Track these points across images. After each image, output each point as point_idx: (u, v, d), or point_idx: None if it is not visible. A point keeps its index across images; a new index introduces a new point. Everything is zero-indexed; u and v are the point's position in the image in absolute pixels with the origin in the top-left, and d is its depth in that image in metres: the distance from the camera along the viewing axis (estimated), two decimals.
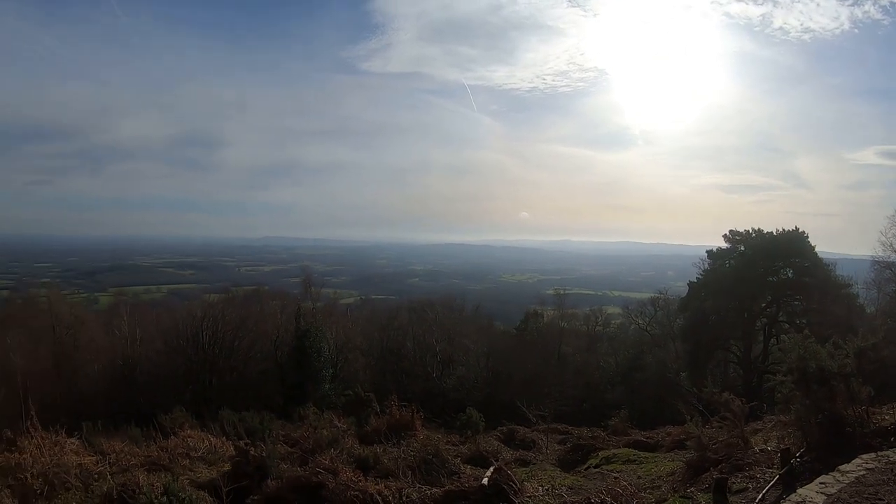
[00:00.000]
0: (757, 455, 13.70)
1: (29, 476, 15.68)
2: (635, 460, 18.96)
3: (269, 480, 16.22)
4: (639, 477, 16.18)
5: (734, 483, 12.12)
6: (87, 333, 55.50)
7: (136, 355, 48.83)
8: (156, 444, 22.15)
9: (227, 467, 18.27)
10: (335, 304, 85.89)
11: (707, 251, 49.62)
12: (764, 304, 46.75)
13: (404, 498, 14.11)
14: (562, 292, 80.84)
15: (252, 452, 17.68)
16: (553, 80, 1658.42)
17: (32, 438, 17.73)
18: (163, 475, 16.94)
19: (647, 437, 24.57)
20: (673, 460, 17.58)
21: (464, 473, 16.82)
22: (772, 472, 12.14)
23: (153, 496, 12.35)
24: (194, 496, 13.11)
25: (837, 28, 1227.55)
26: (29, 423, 18.21)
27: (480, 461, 19.69)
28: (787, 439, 13.72)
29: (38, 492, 15.41)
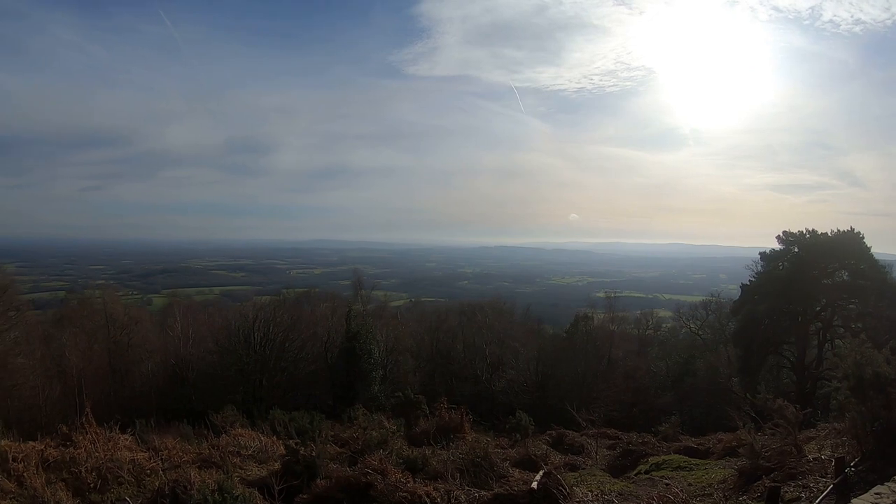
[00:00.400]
0: (810, 464, 13.46)
1: (83, 470, 15.97)
2: (686, 467, 18.73)
3: (319, 480, 16.33)
4: (689, 484, 15.97)
5: (787, 492, 11.93)
6: (140, 333, 56.54)
7: (188, 355, 49.56)
8: (207, 441, 22.37)
9: (277, 466, 18.41)
10: (385, 307, 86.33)
11: (760, 253, 48.50)
12: (818, 308, 45.42)
13: (453, 500, 14.12)
14: (612, 295, 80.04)
15: (302, 452, 17.81)
16: (601, 80, 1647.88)
17: (87, 434, 18.01)
18: (214, 472, 17.09)
19: (698, 444, 24.28)
20: (724, 468, 17.30)
21: (512, 477, 16.81)
22: (825, 482, 11.94)
23: (206, 493, 12.49)
24: (246, 494, 13.23)
25: (889, 19, 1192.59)
26: (83, 418, 18.49)
27: (529, 465, 19.64)
28: (841, 448, 13.48)
29: (92, 486, 15.68)
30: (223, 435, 23.33)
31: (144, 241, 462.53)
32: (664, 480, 16.59)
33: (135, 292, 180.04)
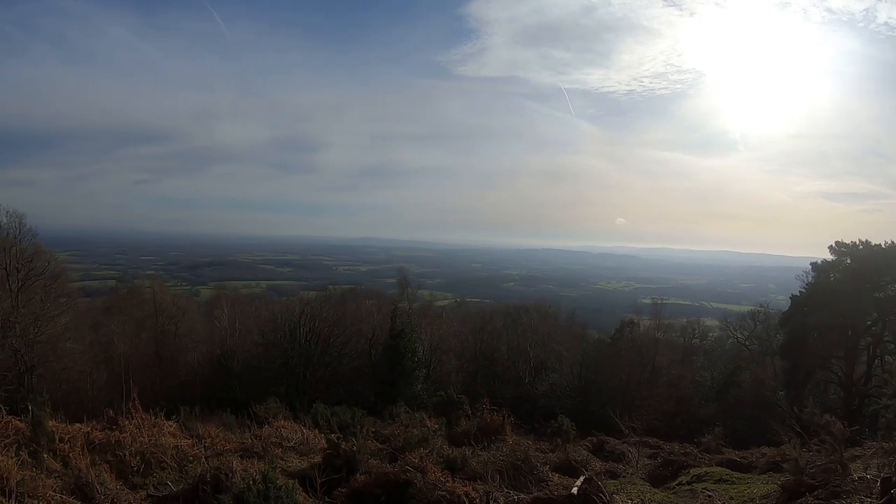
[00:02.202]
0: (855, 483, 13.23)
1: (127, 453, 16.26)
2: (728, 480, 18.51)
3: (358, 475, 16.42)
4: (731, 497, 15.77)
5: None
6: (187, 323, 57.60)
7: (234, 346, 50.31)
8: (250, 432, 22.59)
9: (318, 459, 18.52)
10: (430, 306, 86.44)
11: (811, 263, 47.50)
12: (869, 322, 44.37)
13: (491, 501, 14.11)
14: (658, 302, 79.06)
15: (343, 446, 17.91)
16: (650, 83, 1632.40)
17: (132, 419, 18.35)
18: (256, 462, 17.30)
19: (741, 457, 23.97)
20: (767, 483, 17.05)
21: (552, 481, 16.74)
22: (870, 502, 11.74)
23: (250, 481, 12.65)
24: (288, 484, 13.36)
25: None
26: (129, 404, 18.84)
27: (569, 470, 19.56)
28: (888, 468, 13.23)
29: (135, 469, 15.97)
30: (266, 426, 23.59)
31: (193, 235, 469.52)
32: (705, 492, 16.42)
33: (183, 283, 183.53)
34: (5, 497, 12.06)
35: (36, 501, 12.38)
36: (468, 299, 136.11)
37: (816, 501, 11.56)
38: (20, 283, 42.32)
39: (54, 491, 13.04)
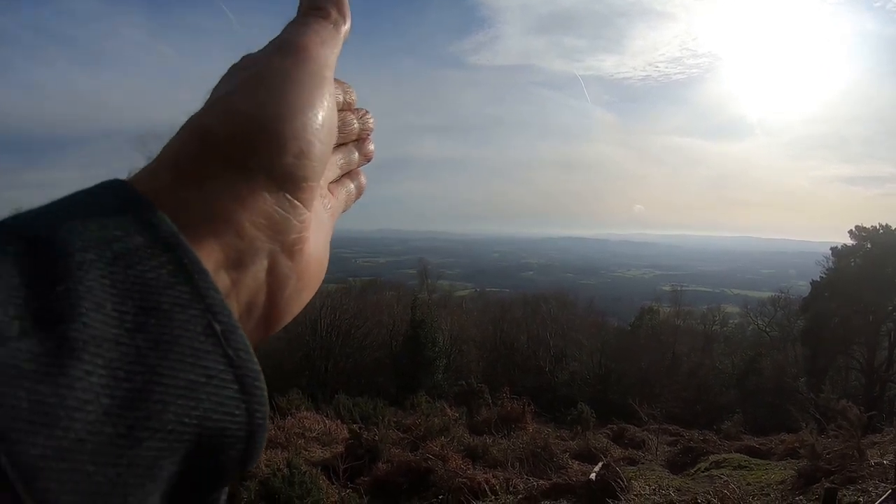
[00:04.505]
0: (871, 468, 13.37)
1: None
2: (746, 466, 18.65)
3: (380, 463, 16.72)
4: (748, 483, 15.91)
5: (845, 495, 11.88)
6: None
7: None
8: (273, 423, 22.89)
9: (341, 449, 18.82)
10: (450, 296, 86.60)
11: (832, 248, 47.25)
12: (890, 308, 44.10)
13: (511, 488, 14.34)
14: (678, 289, 78.80)
15: (365, 436, 18.20)
16: (666, 68, 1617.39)
17: None
18: (280, 452, 17.62)
19: (760, 444, 24.06)
20: (785, 469, 17.21)
21: (571, 468, 16.94)
22: (885, 487, 11.87)
23: (276, 467, 12.94)
24: (312, 472, 13.63)
25: None
26: None
27: (589, 457, 19.73)
28: None
29: None
30: (289, 417, 23.91)
31: None
32: (723, 478, 16.59)
33: None
34: None
35: None
36: (487, 289, 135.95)
37: (830, 486, 11.67)
38: None
39: None
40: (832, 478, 13.06)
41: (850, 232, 45.64)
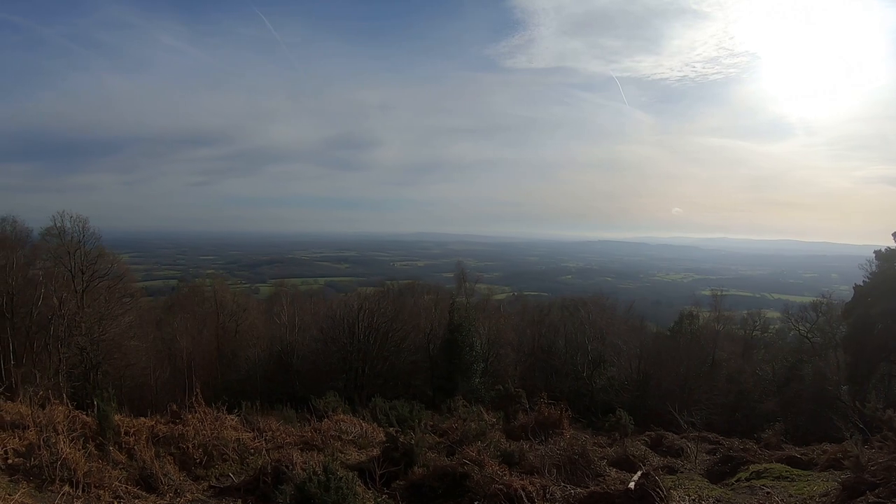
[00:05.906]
0: None
1: (190, 446, 16.72)
2: (788, 477, 18.26)
3: (416, 468, 16.66)
4: (790, 495, 15.55)
5: None
6: (248, 320, 58.90)
7: (293, 342, 51.05)
8: (310, 425, 22.93)
9: (377, 452, 18.77)
10: (488, 300, 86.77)
11: (875, 251, 46.30)
12: None
13: (548, 495, 14.16)
14: (718, 293, 77.91)
15: (401, 439, 18.13)
16: (703, 68, 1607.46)
17: (195, 413, 18.78)
18: (316, 455, 17.63)
19: (802, 454, 23.59)
20: (828, 480, 16.78)
21: (609, 476, 16.73)
22: None
23: (311, 472, 12.89)
24: (348, 476, 13.57)
25: None
26: (192, 398, 19.26)
27: (626, 465, 19.53)
28: None
29: (198, 461, 16.42)
30: (325, 419, 23.91)
31: (251, 233, 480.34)
32: (764, 489, 16.24)
33: (243, 281, 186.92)
34: (73, 487, 12.51)
35: (102, 492, 12.82)
36: (525, 293, 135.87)
37: (877, 500, 11.35)
38: (85, 285, 43.73)
39: (120, 482, 13.51)
40: (877, 491, 12.68)
41: (894, 234, 44.62)
